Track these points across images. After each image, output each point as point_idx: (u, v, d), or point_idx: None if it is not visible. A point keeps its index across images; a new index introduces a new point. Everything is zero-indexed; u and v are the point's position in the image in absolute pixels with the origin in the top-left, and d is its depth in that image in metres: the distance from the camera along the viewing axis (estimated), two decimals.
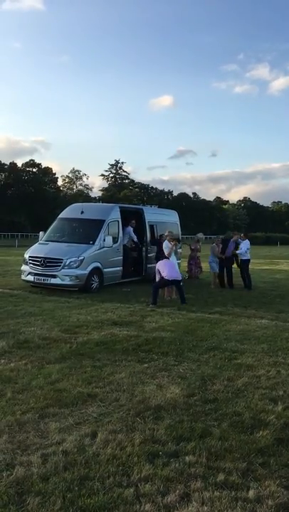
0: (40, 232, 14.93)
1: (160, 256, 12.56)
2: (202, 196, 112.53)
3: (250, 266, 15.13)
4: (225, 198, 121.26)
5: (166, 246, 12.25)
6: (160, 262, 11.63)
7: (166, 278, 11.21)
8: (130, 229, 14.82)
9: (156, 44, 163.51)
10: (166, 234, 12.91)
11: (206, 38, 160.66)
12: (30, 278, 12.93)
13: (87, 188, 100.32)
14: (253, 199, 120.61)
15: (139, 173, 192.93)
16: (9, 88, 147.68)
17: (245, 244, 14.81)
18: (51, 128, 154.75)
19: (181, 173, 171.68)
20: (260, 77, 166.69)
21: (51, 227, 14.86)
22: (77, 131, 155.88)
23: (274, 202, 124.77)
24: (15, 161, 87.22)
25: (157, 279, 11.59)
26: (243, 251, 14.66)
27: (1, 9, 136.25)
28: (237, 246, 14.98)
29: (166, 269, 11.24)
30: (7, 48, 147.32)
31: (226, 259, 14.74)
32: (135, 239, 14.98)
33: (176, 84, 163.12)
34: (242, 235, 15.72)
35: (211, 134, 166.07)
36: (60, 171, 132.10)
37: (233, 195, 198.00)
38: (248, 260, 14.96)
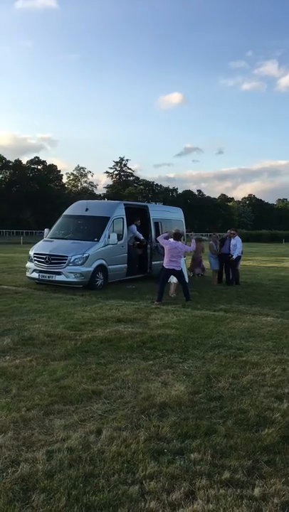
0: (45, 230, 14.93)
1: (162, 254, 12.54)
2: (208, 194, 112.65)
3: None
4: (231, 195, 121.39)
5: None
6: (170, 241, 11.27)
7: (164, 265, 11.19)
8: (134, 227, 14.80)
9: (165, 42, 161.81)
10: (173, 231, 12.84)
11: (215, 34, 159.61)
12: (35, 275, 12.95)
13: (92, 186, 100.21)
14: (258, 196, 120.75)
15: (146, 170, 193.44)
16: (17, 86, 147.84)
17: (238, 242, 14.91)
18: (58, 125, 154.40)
19: (187, 170, 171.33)
20: (268, 73, 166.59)
21: (56, 224, 14.86)
22: (85, 129, 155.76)
23: (279, 199, 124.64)
24: (20, 159, 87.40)
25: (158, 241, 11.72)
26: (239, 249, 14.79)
27: (14, 8, 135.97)
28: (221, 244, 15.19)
29: (167, 255, 11.05)
30: (17, 47, 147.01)
31: (223, 255, 14.81)
32: (141, 237, 14.95)
33: (185, 81, 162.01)
34: (232, 232, 15.54)
35: (218, 131, 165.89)
36: (66, 168, 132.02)
37: (239, 193, 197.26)
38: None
